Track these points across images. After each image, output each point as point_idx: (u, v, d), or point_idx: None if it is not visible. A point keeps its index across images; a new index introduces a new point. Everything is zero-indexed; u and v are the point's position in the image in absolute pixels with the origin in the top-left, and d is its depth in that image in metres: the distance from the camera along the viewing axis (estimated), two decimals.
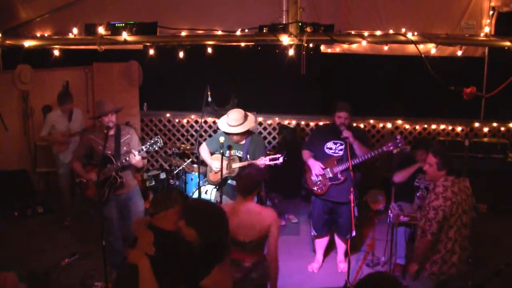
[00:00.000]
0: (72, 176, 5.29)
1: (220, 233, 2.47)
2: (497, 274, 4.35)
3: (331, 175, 4.60)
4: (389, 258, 4.73)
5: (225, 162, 4.62)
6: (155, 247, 2.44)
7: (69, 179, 6.02)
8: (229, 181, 4.64)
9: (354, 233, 4.55)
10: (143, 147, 4.42)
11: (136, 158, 4.39)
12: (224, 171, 4.61)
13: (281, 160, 4.52)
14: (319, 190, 4.67)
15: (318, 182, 4.66)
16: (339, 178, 4.53)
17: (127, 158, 4.41)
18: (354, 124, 5.63)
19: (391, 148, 4.48)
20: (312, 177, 4.70)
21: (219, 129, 4.79)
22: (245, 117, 4.60)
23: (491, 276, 4.30)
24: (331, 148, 4.65)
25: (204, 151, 4.83)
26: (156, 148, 4.48)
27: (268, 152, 5.43)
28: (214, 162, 4.77)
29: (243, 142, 4.70)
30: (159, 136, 4.52)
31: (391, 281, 2.15)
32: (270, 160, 4.51)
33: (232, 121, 4.54)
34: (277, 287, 4.64)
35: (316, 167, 4.62)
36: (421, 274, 3.59)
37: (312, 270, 4.96)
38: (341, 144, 4.56)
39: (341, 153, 4.58)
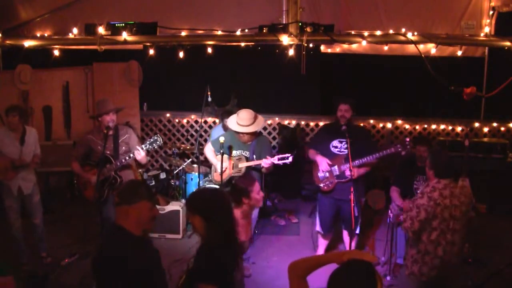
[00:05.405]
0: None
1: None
2: (497, 274, 4.36)
3: (338, 173, 4.58)
4: (389, 258, 4.73)
5: (231, 162, 4.60)
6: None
7: (19, 216, 4.76)
8: (232, 181, 4.64)
9: (358, 231, 4.62)
10: (143, 146, 4.42)
11: (141, 154, 4.39)
12: (231, 171, 4.59)
13: (290, 159, 4.49)
14: (325, 187, 4.66)
15: (325, 180, 4.65)
16: (346, 176, 4.48)
17: (127, 158, 4.41)
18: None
19: (400, 149, 4.43)
20: (319, 174, 4.69)
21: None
22: (255, 117, 4.58)
23: (491, 276, 4.30)
24: (336, 147, 4.63)
25: (209, 151, 4.82)
26: (156, 147, 4.48)
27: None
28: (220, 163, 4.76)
29: (250, 142, 4.67)
30: (158, 134, 4.52)
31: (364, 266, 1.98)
32: (279, 159, 4.48)
33: (242, 121, 4.50)
34: (277, 286, 4.68)
35: (323, 163, 4.59)
36: (402, 273, 3.54)
37: None
38: (347, 143, 4.51)
39: (347, 151, 4.47)
